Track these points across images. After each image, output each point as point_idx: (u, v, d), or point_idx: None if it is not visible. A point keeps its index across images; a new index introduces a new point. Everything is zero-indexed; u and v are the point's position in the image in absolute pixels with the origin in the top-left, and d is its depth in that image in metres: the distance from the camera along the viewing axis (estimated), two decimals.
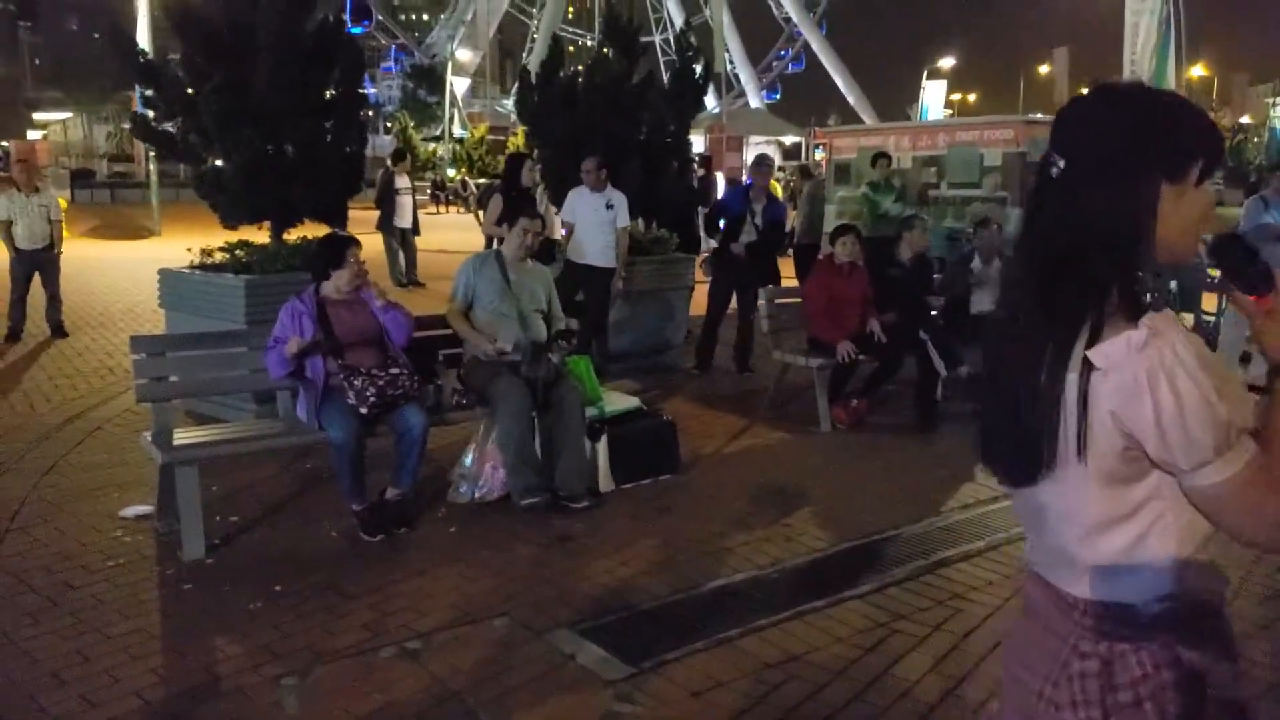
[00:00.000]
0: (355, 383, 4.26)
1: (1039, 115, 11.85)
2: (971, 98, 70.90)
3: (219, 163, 5.98)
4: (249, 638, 3.40)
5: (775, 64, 75.59)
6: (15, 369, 7.80)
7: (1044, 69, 48.75)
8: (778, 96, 75.15)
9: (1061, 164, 1.27)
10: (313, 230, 6.10)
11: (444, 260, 14.16)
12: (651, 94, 8.14)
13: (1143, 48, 16.02)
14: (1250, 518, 1.16)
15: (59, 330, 8.81)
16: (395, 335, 4.56)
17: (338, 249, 4.49)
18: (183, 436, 4.22)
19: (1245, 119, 55.35)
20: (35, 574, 3.89)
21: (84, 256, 15.30)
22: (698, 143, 24.08)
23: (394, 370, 4.37)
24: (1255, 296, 1.20)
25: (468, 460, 4.83)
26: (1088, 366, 1.18)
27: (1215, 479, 1.15)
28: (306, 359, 4.31)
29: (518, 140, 27.95)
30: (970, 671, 3.22)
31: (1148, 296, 1.20)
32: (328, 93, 6.13)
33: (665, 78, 8.99)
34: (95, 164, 47.30)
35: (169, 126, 6.10)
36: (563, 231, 7.45)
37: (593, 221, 6.84)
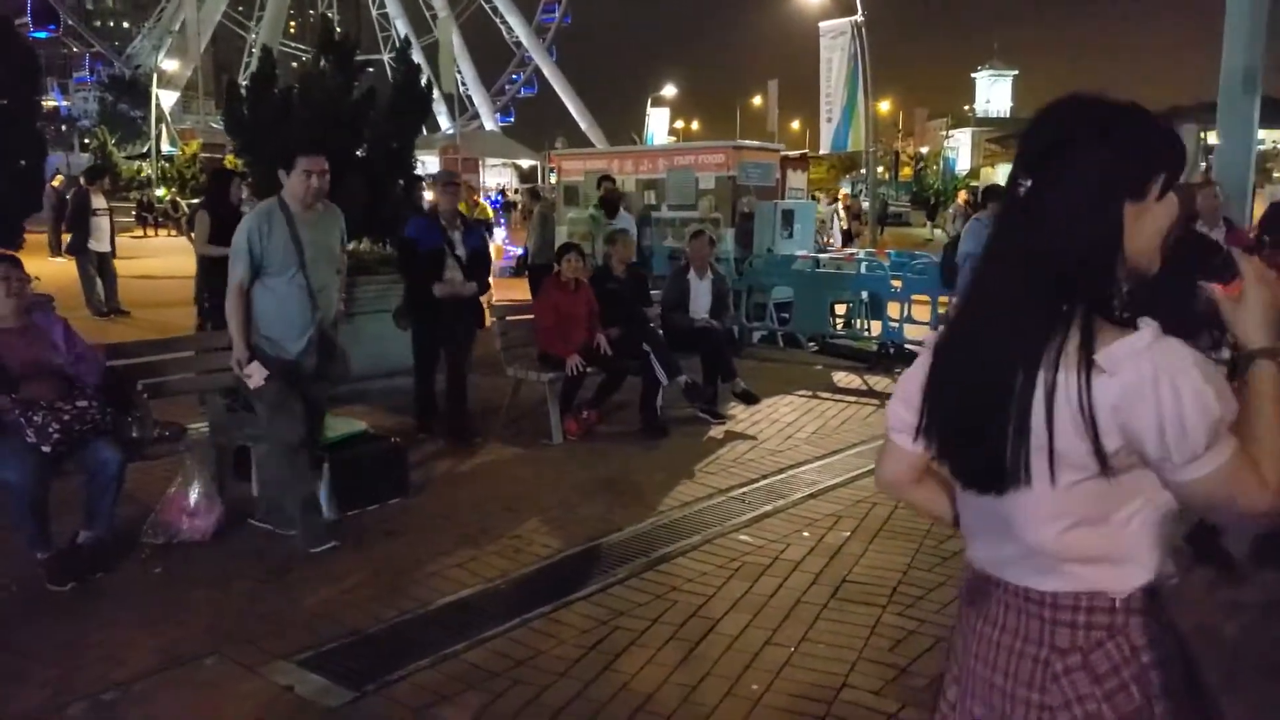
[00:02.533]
0: (35, 418, 3.85)
1: (747, 141, 12.80)
2: (695, 125, 75.08)
3: None
4: None
5: (508, 87, 76.19)
6: None
7: (757, 100, 52.60)
8: (512, 120, 75.77)
9: (1028, 183, 1.32)
10: None
11: (150, 286, 13.09)
12: (374, 111, 7.98)
13: (836, 81, 17.76)
14: (1232, 501, 1.22)
15: None
16: (87, 378, 4.17)
17: None
18: None
19: (924, 149, 62.57)
20: None
21: None
22: (432, 163, 23.78)
23: (81, 403, 4.00)
24: (1223, 285, 1.28)
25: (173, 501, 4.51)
26: (1092, 370, 1.22)
27: (1204, 470, 1.20)
28: None
29: (234, 159, 26.21)
30: (685, 659, 3.44)
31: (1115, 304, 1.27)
32: None
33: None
34: None
35: None
36: None
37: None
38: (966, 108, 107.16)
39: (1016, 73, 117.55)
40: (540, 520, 4.90)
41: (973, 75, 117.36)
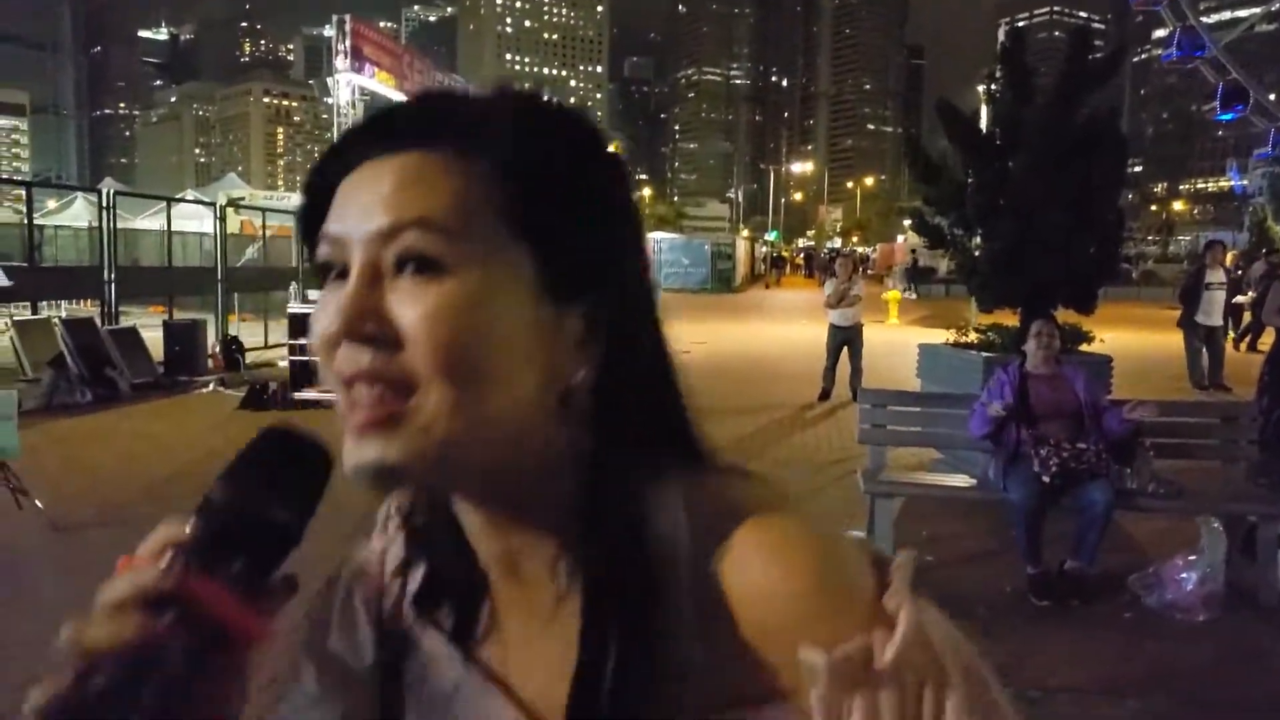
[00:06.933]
0: (1041, 451, 4.49)
1: None
2: None
3: (976, 252, 6.72)
4: None
5: None
6: (815, 420, 9.68)
7: None
8: None
9: None
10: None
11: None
12: None
13: None
14: None
15: (856, 395, 10.54)
16: (1111, 429, 4.60)
17: (1023, 328, 4.82)
18: (885, 476, 4.99)
19: None
20: None
21: (900, 340, 17.57)
22: None
23: (1081, 445, 4.48)
24: None
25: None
26: None
27: None
28: (1003, 426, 4.71)
29: None
30: None
31: None
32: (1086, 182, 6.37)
33: None
34: (938, 262, 52.76)
35: (940, 221, 7.06)
36: None
37: None
38: None
39: None
40: None
41: None
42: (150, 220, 21.11)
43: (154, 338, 11.82)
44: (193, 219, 18.44)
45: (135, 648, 0.45)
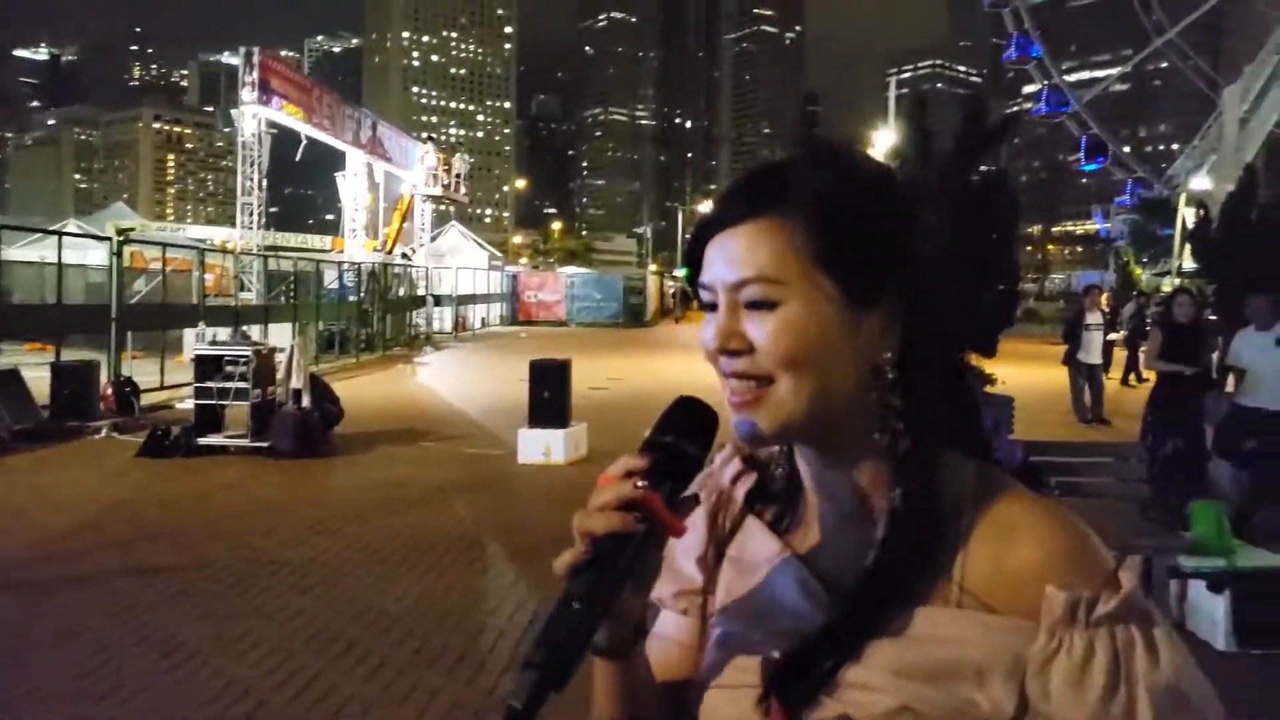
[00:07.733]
0: None
1: None
2: None
3: None
4: None
5: None
6: None
7: None
8: None
9: None
10: None
11: (1136, 397, 13.43)
12: None
13: None
14: None
15: None
16: (1005, 464, 4.88)
17: None
18: None
19: None
20: None
21: None
22: None
23: None
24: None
25: None
26: None
27: None
28: None
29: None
30: None
31: None
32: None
33: None
34: None
35: None
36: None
37: (1261, 362, 6.17)
38: None
39: None
40: None
41: None
42: (23, 251, 20.05)
43: (35, 378, 11.19)
44: (73, 250, 17.54)
45: (620, 532, 0.72)
